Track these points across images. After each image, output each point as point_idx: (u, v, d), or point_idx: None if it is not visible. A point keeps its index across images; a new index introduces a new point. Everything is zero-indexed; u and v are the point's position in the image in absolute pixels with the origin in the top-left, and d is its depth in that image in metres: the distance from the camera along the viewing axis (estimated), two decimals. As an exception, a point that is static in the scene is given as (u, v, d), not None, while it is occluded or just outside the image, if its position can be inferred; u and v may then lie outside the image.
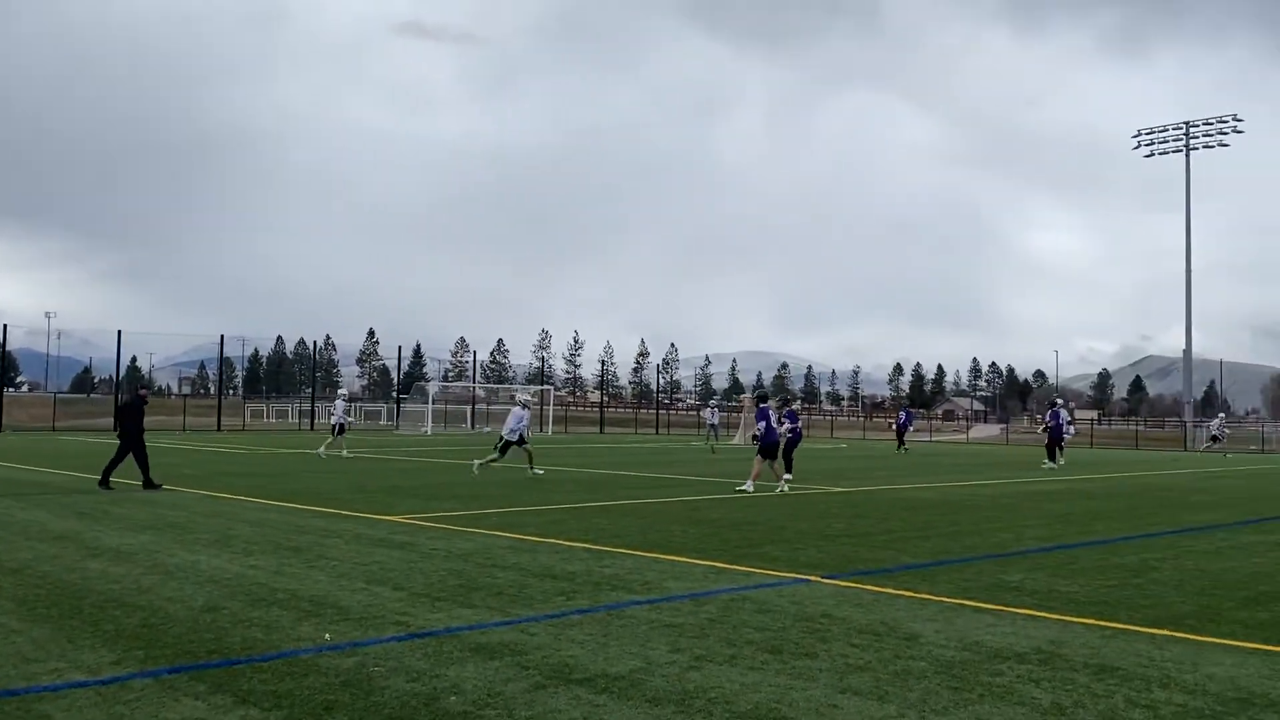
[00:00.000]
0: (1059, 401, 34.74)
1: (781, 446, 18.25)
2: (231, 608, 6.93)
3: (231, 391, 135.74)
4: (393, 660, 5.59)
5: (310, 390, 71.67)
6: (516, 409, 20.64)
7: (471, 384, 77.30)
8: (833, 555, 9.93)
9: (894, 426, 42.76)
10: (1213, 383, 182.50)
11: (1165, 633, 6.64)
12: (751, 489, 16.84)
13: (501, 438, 20.21)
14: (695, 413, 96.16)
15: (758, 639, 6.21)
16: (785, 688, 5.17)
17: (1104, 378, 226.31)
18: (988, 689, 5.23)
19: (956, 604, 7.51)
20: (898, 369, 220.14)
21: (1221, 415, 54.94)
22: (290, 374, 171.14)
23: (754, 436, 17.39)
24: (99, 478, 16.05)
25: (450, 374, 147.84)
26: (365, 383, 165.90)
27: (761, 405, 18.32)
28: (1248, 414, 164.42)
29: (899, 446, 39.31)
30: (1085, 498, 17.89)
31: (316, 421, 58.96)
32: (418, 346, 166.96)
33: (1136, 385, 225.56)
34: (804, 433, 20.41)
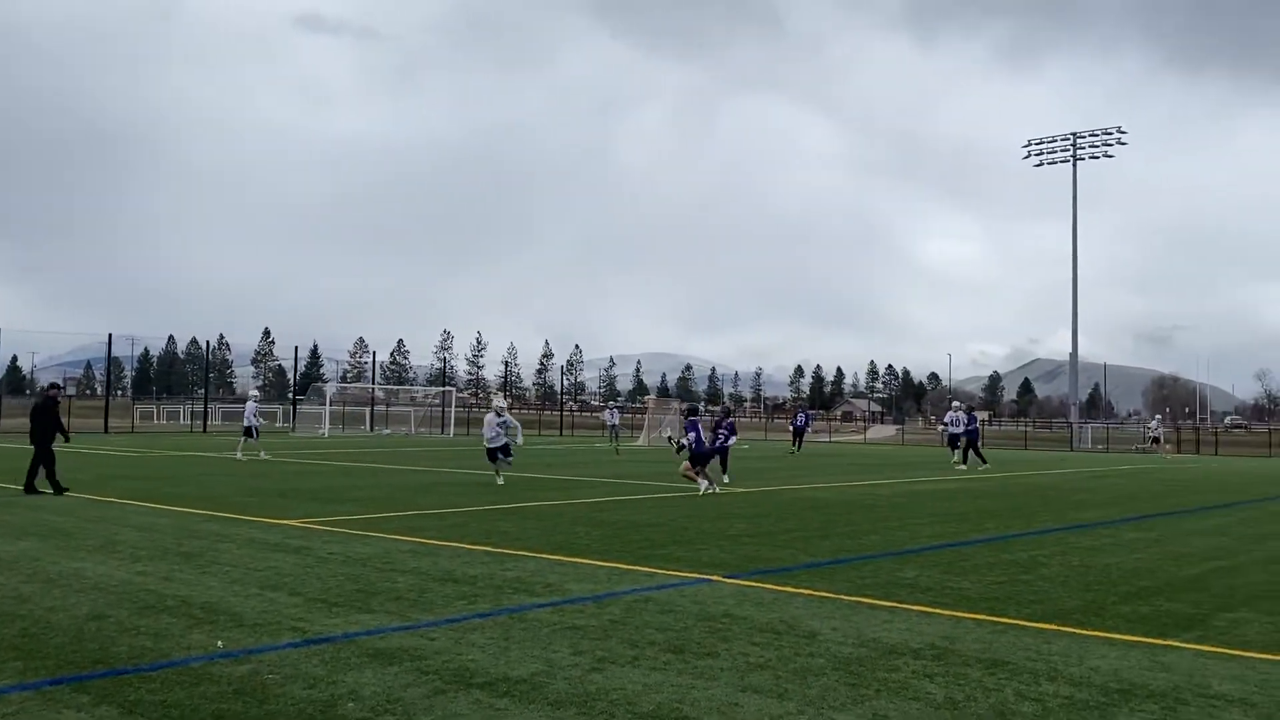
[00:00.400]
0: (960, 405, 35.83)
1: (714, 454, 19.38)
2: (118, 616, 6.69)
3: (120, 392, 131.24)
4: (288, 667, 5.46)
5: (203, 391, 69.64)
6: (490, 415, 19.43)
7: (371, 385, 75.97)
8: (735, 555, 10.02)
9: (792, 427, 43.37)
10: (1097, 385, 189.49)
11: (1052, 627, 6.87)
12: (709, 488, 17.05)
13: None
14: (596, 414, 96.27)
15: (660, 639, 6.24)
16: (687, 687, 5.20)
17: (995, 380, 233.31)
18: (884, 685, 5.34)
19: (854, 601, 7.65)
20: (799, 371, 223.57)
21: (1158, 417, 56.54)
22: (182, 374, 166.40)
23: (680, 445, 17.48)
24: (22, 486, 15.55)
25: (349, 375, 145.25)
26: (260, 384, 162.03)
27: (691, 418, 18.32)
28: (1130, 415, 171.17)
29: (795, 447, 39.82)
30: (977, 497, 18.39)
31: (210, 423, 57.39)
32: (315, 347, 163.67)
33: (1025, 387, 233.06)
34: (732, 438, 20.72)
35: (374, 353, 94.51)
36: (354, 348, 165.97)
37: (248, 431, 27.47)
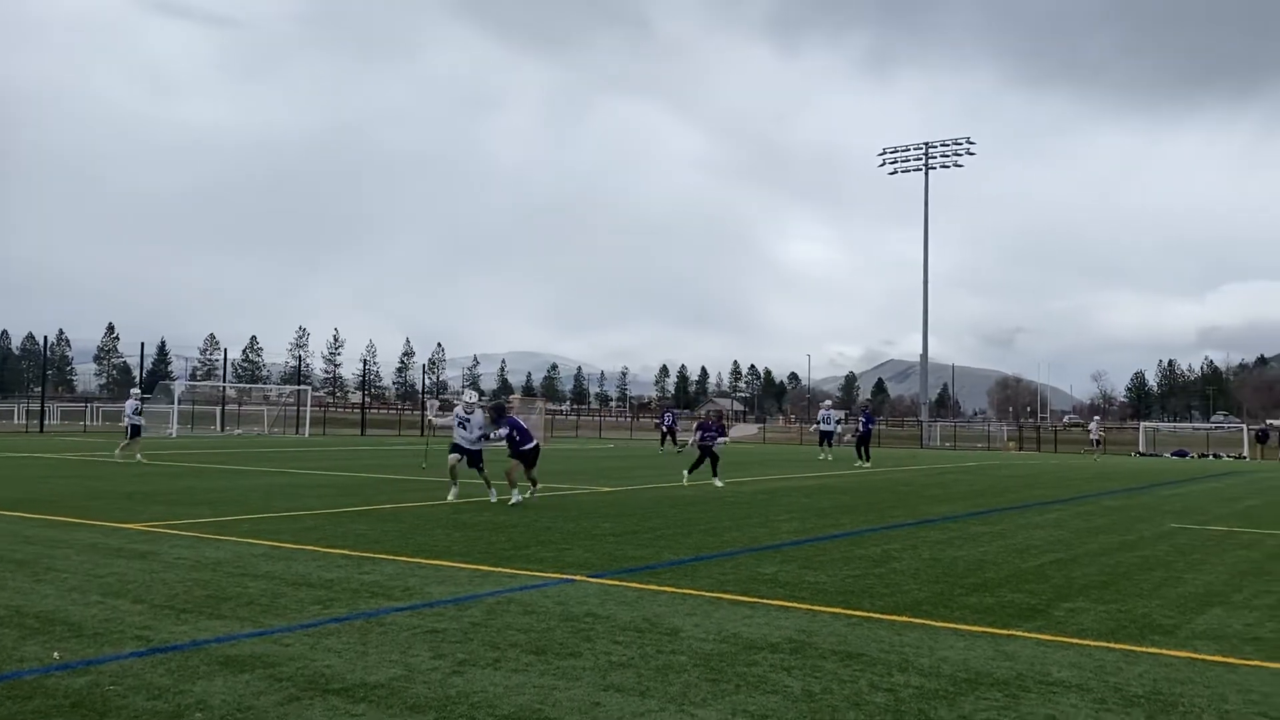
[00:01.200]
0: (831, 404, 36.99)
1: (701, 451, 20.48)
2: (-58, 629, 6.27)
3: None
4: (131, 678, 5.21)
5: (40, 389, 65.96)
6: (458, 409, 16.67)
7: (221, 384, 73.31)
8: (598, 554, 10.04)
9: (662, 427, 43.52)
10: (946, 385, 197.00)
11: (904, 619, 7.09)
12: (517, 497, 15.81)
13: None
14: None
15: (522, 641, 6.19)
16: (549, 688, 5.18)
17: (850, 380, 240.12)
18: (743, 679, 5.42)
19: (715, 598, 7.75)
20: (664, 370, 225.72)
21: (1097, 418, 57.65)
22: (17, 372, 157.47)
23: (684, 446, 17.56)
24: None
25: (198, 373, 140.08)
26: (103, 381, 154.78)
27: (501, 416, 16.15)
28: (975, 414, 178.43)
29: (668, 445, 39.70)
30: (834, 493, 18.88)
31: (47, 423, 54.42)
32: (162, 343, 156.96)
33: (879, 387, 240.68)
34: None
35: (225, 350, 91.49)
36: (204, 344, 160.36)
37: (134, 431, 26.14)
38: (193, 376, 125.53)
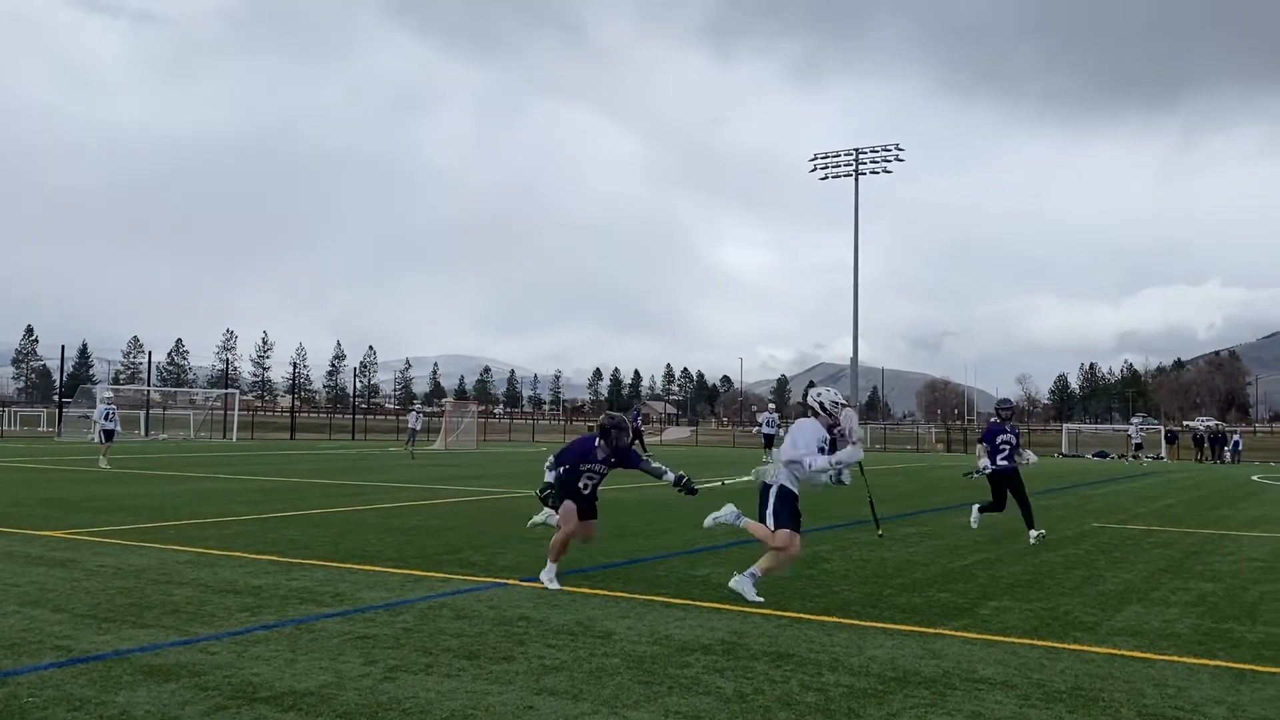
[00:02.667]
0: (772, 407, 37.25)
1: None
2: None
3: None
4: (51, 689, 5.08)
5: (-47, 393, 63.97)
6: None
7: (146, 387, 71.62)
8: (532, 558, 10.00)
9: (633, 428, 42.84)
10: (876, 388, 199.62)
11: (834, 620, 7.19)
12: None
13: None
14: (395, 417, 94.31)
15: (454, 646, 6.16)
16: (481, 693, 5.16)
17: (782, 383, 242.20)
18: (676, 681, 5.45)
19: (648, 600, 7.77)
20: (597, 373, 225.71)
21: (1136, 420, 56.36)
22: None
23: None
24: None
25: (122, 376, 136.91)
26: (22, 385, 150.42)
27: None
28: (905, 417, 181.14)
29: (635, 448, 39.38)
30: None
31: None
32: (84, 346, 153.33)
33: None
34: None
35: (150, 353, 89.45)
36: (128, 347, 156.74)
37: (107, 436, 25.40)
38: (116, 380, 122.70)
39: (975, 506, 13.13)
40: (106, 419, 25.98)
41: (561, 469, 8.68)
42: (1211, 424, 76.56)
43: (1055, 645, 6.52)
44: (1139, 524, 14.80)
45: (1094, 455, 55.61)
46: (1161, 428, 67.66)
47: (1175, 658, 6.24)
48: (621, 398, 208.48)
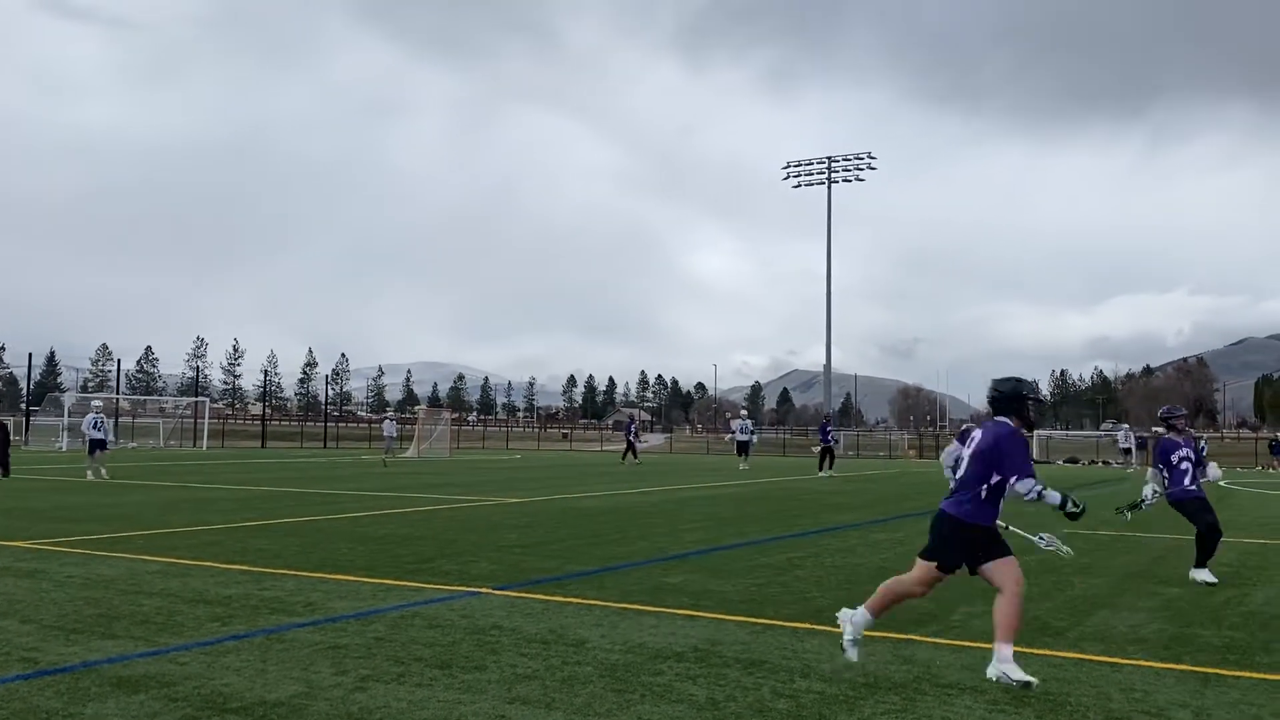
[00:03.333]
0: (746, 413, 37.56)
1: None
2: None
3: None
4: (18, 701, 5.03)
5: (-82, 402, 63.06)
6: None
7: (115, 395, 70.92)
8: (504, 566, 9.99)
9: (628, 438, 41.38)
10: (849, 395, 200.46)
11: (807, 626, 7.22)
12: None
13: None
14: (368, 425, 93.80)
15: (427, 655, 6.14)
16: (454, 702, 5.15)
17: (756, 389, 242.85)
18: (649, 689, 5.46)
19: (621, 608, 7.78)
20: (571, 380, 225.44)
21: (1126, 427, 55.23)
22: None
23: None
24: None
25: (90, 384, 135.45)
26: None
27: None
28: (878, 423, 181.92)
29: (629, 459, 38.24)
30: (740, 502, 19.09)
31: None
32: (52, 353, 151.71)
33: (784, 396, 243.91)
34: None
35: (119, 360, 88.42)
36: (96, 355, 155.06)
37: (98, 445, 24.45)
38: (84, 388, 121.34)
39: (1196, 571, 9.79)
40: (95, 428, 25.00)
41: None
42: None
43: (1024, 650, 6.57)
44: (1108, 530, 14.94)
45: (1065, 461, 56.06)
46: (1141, 434, 68.22)
47: (1142, 662, 6.31)
48: (596, 405, 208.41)
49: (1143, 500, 10.26)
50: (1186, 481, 9.88)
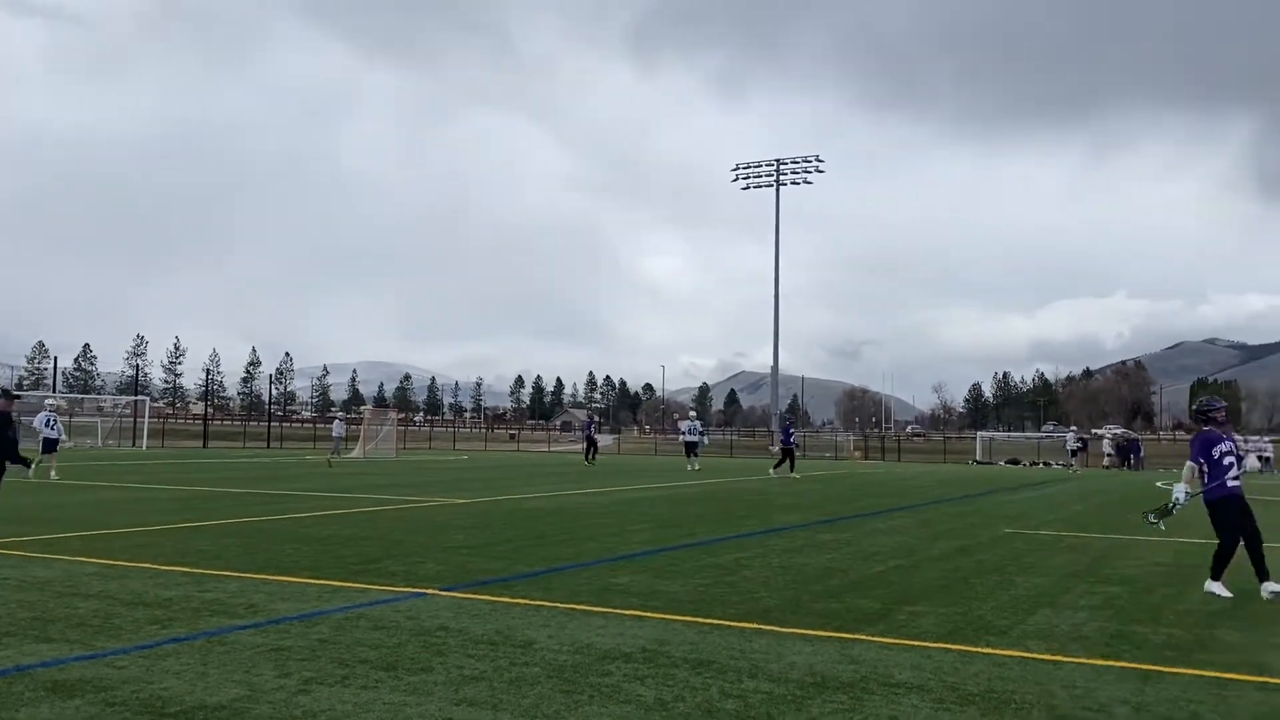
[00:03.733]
0: (694, 414, 37.74)
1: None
2: None
3: None
4: (-55, 709, 4.89)
5: None
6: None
7: (51, 393, 69.32)
8: (451, 567, 9.91)
9: (589, 437, 42.08)
10: (796, 396, 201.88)
11: (754, 626, 7.23)
12: None
13: None
14: (312, 425, 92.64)
15: (372, 657, 6.06)
16: (400, 705, 5.09)
17: (704, 390, 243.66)
18: (597, 690, 5.43)
19: (569, 609, 7.74)
20: (519, 381, 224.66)
21: (1074, 429, 55.64)
22: None
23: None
24: None
25: (25, 383, 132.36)
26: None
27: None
28: (824, 425, 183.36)
29: (594, 458, 39.02)
30: (687, 503, 19.12)
31: None
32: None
33: (731, 398, 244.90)
34: None
35: (55, 358, 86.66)
36: (32, 352, 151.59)
37: (47, 446, 23.70)
38: (19, 386, 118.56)
39: (1211, 581, 9.11)
40: (48, 426, 24.31)
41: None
42: (1118, 431, 78.81)
43: (969, 649, 6.65)
44: (1050, 530, 15.17)
45: (1006, 462, 56.88)
46: (1069, 436, 69.38)
47: (1083, 659, 6.41)
48: (544, 405, 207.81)
49: (1175, 502, 9.32)
50: (1229, 479, 8.97)
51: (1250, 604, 8.55)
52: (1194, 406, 9.70)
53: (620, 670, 5.86)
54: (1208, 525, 9.31)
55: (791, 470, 30.74)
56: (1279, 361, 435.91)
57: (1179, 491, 9.23)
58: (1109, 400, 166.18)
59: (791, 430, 33.39)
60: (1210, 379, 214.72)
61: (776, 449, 33.18)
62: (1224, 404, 9.61)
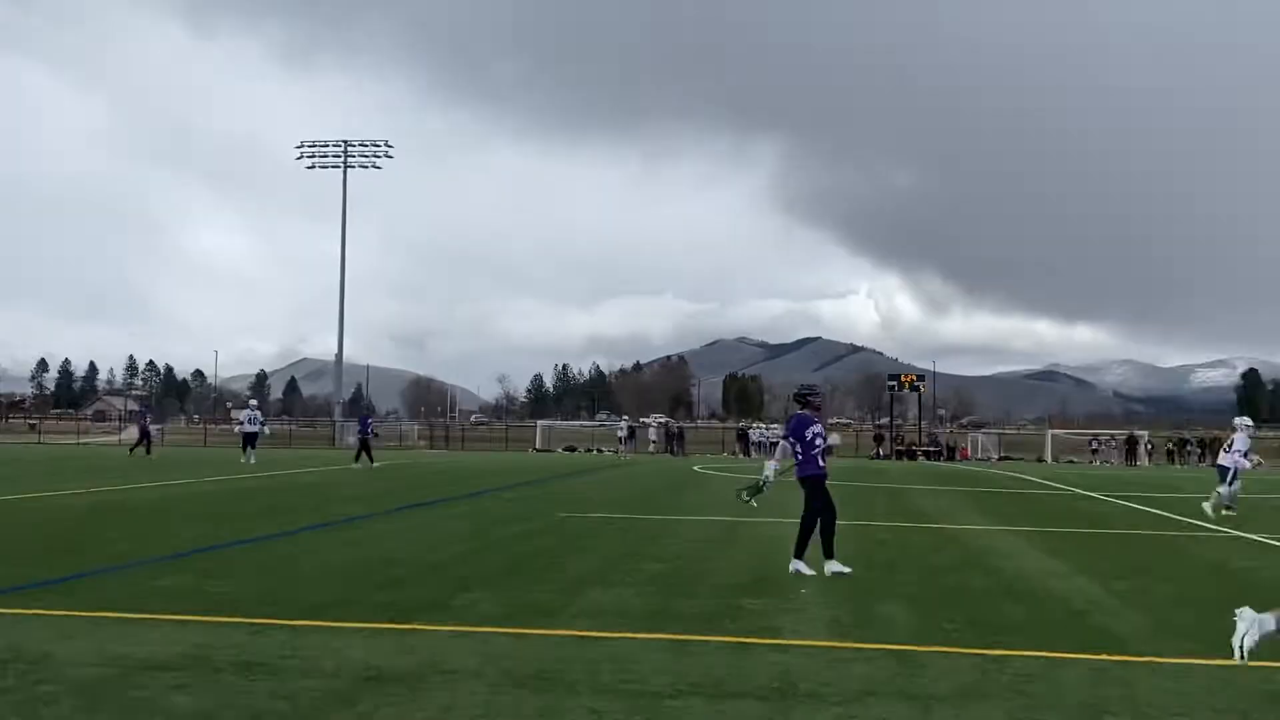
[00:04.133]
0: (255, 404, 35.89)
1: None
2: None
3: None
4: None
5: None
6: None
7: None
8: (-51, 578, 8.61)
9: (140, 424, 38.25)
10: (360, 385, 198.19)
11: (307, 623, 6.97)
12: None
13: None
14: None
15: None
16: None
17: (262, 378, 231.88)
18: (129, 704, 4.96)
19: (97, 617, 7.02)
20: (43, 365, 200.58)
21: (625, 418, 55.03)
22: None
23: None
24: None
25: None
26: None
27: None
28: (389, 414, 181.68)
29: (144, 450, 35.81)
30: (241, 498, 18.09)
31: None
32: None
33: (292, 386, 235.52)
34: None
35: None
36: None
37: None
38: None
39: (795, 560, 9.49)
40: None
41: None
42: (664, 420, 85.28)
43: (523, 632, 6.85)
44: (600, 513, 16.06)
45: (564, 449, 59.52)
46: (620, 423, 74.10)
47: (628, 634, 6.83)
48: (73, 393, 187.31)
49: (764, 480, 9.84)
50: (819, 460, 9.62)
51: (771, 575, 9.56)
52: (795, 390, 10.43)
53: (158, 681, 5.39)
54: (729, 505, 10.24)
55: (371, 461, 31.18)
56: (793, 360, 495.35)
57: (769, 469, 9.82)
58: (656, 392, 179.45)
59: (369, 420, 35.00)
60: (740, 374, 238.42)
61: (355, 438, 33.17)
62: (822, 390, 10.23)
